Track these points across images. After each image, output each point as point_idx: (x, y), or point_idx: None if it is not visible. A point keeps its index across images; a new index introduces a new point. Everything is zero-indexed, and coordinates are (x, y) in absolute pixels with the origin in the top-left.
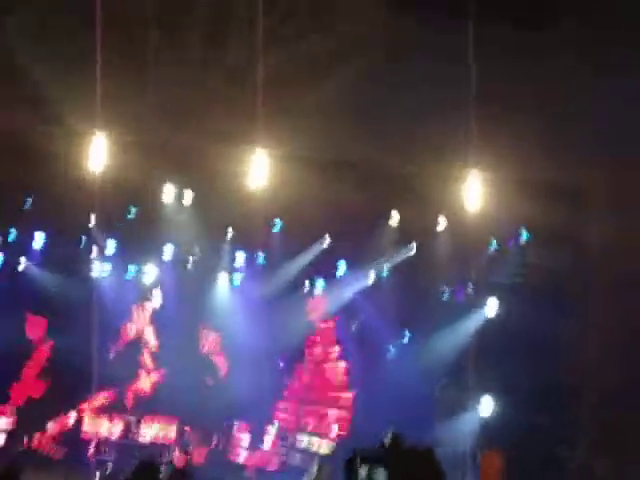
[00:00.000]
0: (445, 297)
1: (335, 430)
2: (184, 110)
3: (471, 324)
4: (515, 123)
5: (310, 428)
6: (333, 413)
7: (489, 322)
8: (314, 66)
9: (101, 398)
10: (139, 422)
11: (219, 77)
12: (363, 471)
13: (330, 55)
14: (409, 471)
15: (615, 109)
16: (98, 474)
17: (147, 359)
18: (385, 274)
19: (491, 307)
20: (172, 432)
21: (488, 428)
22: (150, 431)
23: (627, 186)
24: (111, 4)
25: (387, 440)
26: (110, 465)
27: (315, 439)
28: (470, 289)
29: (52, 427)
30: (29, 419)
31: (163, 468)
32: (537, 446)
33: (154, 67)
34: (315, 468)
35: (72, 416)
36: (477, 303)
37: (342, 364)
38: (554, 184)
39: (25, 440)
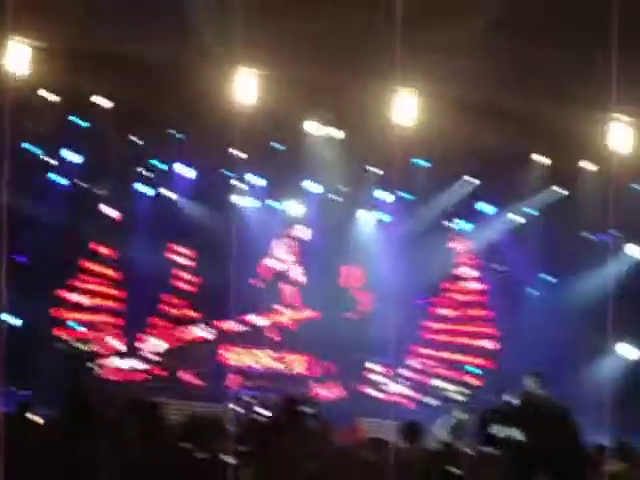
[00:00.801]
0: (589, 240)
1: (473, 376)
2: (331, 46)
3: (615, 268)
4: None
5: (446, 373)
6: (472, 358)
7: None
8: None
9: (239, 325)
10: (277, 354)
11: (364, 11)
12: (495, 429)
13: None
14: (543, 431)
15: None
16: (236, 405)
17: (289, 292)
18: (529, 217)
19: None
20: (307, 365)
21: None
22: (288, 363)
23: None
24: None
25: (521, 396)
26: (249, 397)
27: (451, 385)
28: (615, 233)
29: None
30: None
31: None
32: None
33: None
34: (454, 419)
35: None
36: (622, 247)
37: (484, 306)
38: None
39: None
